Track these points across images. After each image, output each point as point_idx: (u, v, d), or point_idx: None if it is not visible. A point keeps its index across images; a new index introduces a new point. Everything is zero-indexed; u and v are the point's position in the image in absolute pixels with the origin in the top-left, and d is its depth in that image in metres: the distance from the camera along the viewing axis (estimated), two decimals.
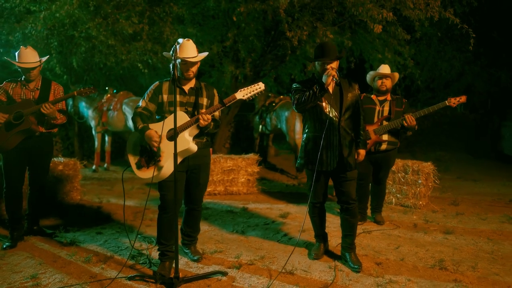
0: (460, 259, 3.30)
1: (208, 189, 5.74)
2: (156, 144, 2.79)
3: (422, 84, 9.25)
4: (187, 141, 2.79)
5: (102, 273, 2.98)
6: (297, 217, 4.60)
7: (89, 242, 3.70)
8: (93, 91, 3.58)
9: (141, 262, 3.21)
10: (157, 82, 3.02)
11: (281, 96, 8.78)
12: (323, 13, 6.91)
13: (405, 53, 7.61)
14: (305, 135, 3.18)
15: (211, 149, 3.32)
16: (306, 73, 9.47)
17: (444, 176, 5.24)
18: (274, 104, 8.43)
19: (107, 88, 8.73)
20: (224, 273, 2.96)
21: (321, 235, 3.39)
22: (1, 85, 3.61)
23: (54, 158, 5.13)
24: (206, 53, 3.01)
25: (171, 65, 2.77)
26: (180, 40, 2.89)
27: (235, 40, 7.19)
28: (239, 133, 10.65)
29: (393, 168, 5.09)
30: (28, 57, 3.55)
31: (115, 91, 8.69)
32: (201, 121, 2.77)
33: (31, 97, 3.59)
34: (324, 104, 3.02)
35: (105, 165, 8.28)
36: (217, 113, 2.96)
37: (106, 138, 8.43)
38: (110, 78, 9.58)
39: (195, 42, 9.13)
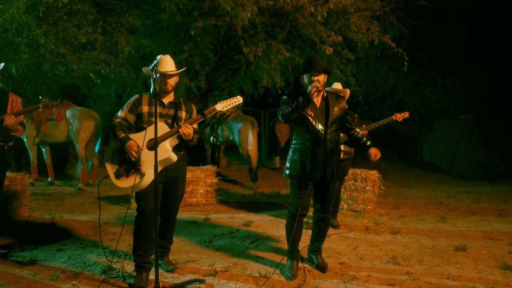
0: (408, 255, 3.75)
1: None
2: (135, 154, 2.83)
3: (361, 99, 10.13)
4: (168, 151, 2.87)
5: None
6: (260, 225, 4.80)
7: (51, 260, 3.53)
8: (60, 105, 3.48)
9: (114, 276, 3.16)
10: (136, 95, 3.07)
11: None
12: (276, 32, 7.33)
13: (347, 71, 8.32)
14: (292, 147, 3.19)
15: None
16: (257, 88, 9.84)
17: (384, 183, 5.85)
18: (225, 116, 8.51)
19: (40, 97, 8.17)
20: (201, 281, 3.05)
21: (296, 251, 3.30)
22: None
23: None
24: (184, 68, 3.12)
25: (151, 80, 2.86)
26: (159, 57, 2.98)
27: (190, 54, 7.30)
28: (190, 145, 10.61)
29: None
30: None
31: (49, 100, 8.21)
32: (183, 130, 2.87)
33: None
34: (311, 117, 3.08)
35: (49, 179, 7.77)
36: (195, 125, 3.08)
37: (44, 150, 7.87)
38: (52, 87, 9.03)
39: (149, 54, 8.89)
